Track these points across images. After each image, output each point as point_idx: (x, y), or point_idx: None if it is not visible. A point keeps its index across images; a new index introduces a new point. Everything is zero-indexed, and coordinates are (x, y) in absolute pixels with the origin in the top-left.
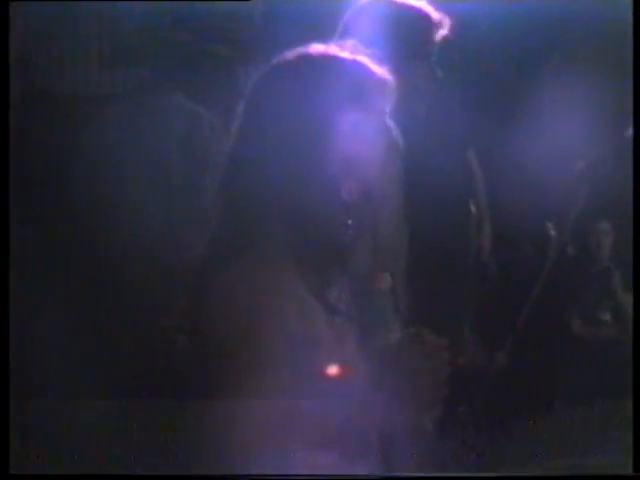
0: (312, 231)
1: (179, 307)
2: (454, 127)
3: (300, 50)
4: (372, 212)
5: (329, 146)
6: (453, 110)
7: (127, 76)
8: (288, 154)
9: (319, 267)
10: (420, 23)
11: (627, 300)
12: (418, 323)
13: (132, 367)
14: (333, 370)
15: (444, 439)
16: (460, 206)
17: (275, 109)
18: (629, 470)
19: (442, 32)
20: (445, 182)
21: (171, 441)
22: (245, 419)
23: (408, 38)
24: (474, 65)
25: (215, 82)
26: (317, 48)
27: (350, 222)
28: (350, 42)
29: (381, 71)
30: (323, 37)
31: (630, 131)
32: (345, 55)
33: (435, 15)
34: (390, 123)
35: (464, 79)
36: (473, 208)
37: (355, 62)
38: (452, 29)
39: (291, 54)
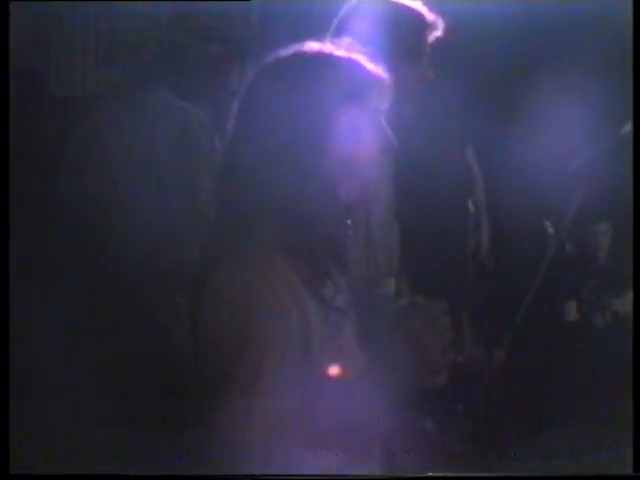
0: (309, 230)
1: (176, 306)
2: (449, 127)
3: (295, 48)
4: (368, 210)
5: (324, 144)
6: (447, 110)
7: (121, 75)
8: (283, 152)
9: (316, 265)
10: (413, 23)
11: (626, 297)
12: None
13: (130, 366)
14: (331, 366)
15: (443, 438)
16: (458, 204)
17: (270, 107)
18: (629, 470)
19: (436, 33)
20: (440, 181)
21: (171, 441)
22: (244, 417)
23: (401, 38)
24: (470, 65)
25: (210, 81)
26: (312, 46)
27: (349, 222)
28: (345, 40)
29: (376, 69)
30: (318, 37)
31: (627, 128)
32: (340, 53)
33: (429, 16)
34: (385, 121)
35: (461, 79)
36: (471, 206)
37: (350, 60)
38: (446, 30)
39: (286, 52)
